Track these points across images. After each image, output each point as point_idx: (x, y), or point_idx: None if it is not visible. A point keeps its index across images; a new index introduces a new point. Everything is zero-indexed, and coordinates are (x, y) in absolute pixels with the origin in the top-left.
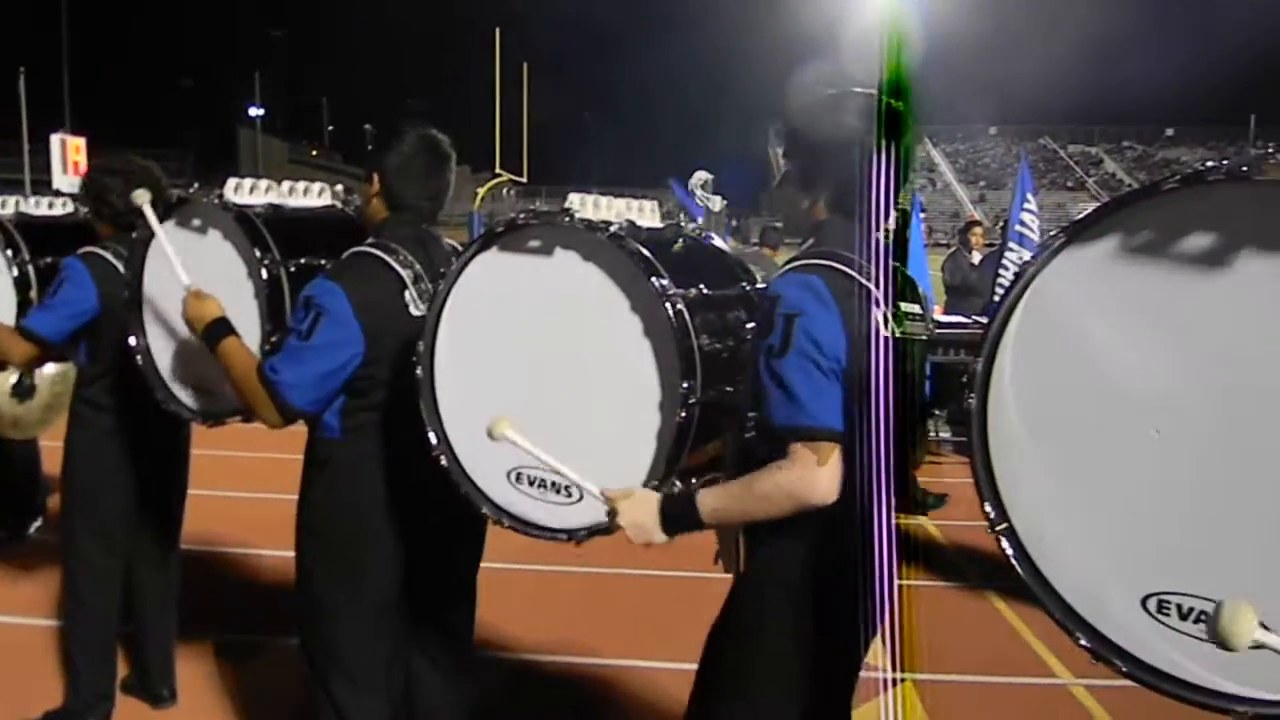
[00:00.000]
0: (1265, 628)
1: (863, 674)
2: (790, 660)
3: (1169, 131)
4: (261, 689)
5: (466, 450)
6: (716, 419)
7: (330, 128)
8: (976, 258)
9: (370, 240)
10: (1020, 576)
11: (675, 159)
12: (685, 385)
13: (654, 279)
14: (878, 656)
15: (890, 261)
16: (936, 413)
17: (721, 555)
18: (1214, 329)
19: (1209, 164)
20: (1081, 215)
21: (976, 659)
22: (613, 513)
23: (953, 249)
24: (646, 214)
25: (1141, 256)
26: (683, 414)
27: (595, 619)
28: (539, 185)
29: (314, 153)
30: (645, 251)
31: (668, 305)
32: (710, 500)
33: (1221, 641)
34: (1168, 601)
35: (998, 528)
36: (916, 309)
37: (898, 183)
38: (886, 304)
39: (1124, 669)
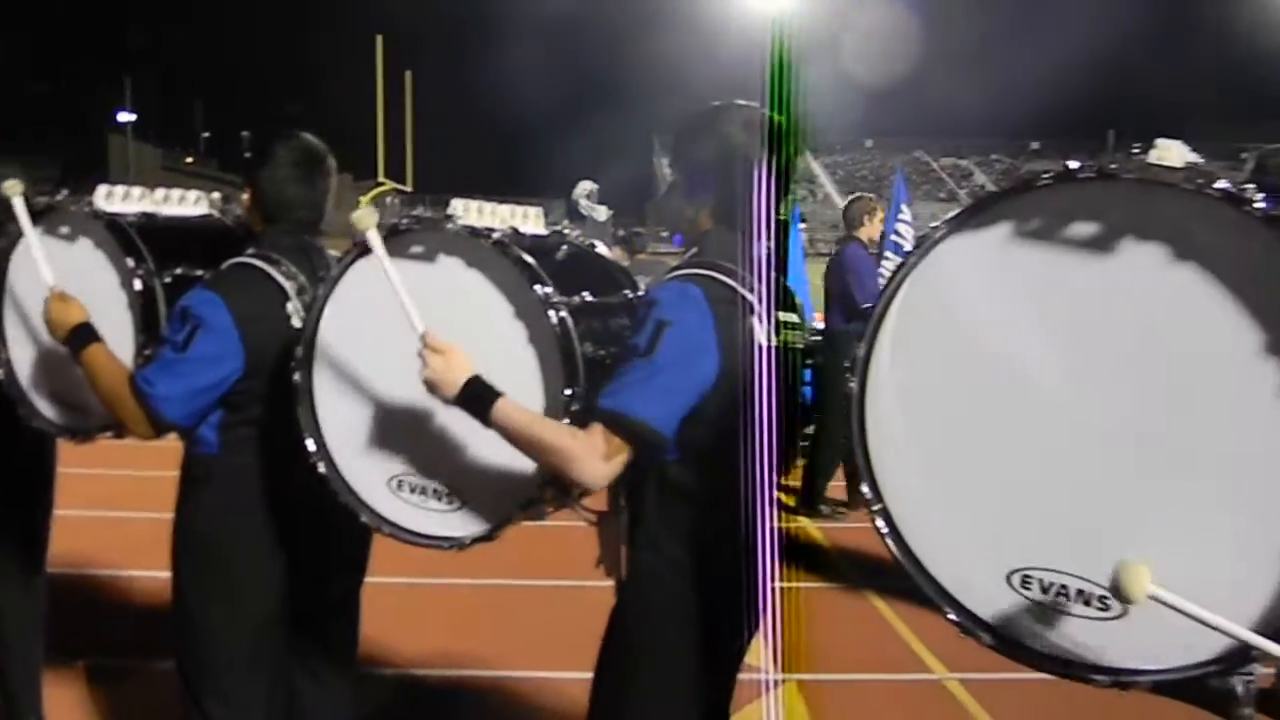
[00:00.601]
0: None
1: (745, 676)
2: (677, 664)
3: (1034, 145)
4: (133, 714)
5: (345, 458)
6: None
7: (206, 134)
8: None
9: (250, 251)
10: (894, 556)
11: (563, 169)
12: (568, 392)
13: (537, 286)
14: (758, 657)
15: (771, 272)
16: (817, 416)
17: (603, 560)
18: (1082, 317)
19: (1076, 164)
20: (961, 209)
21: (856, 658)
22: (424, 352)
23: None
24: (531, 221)
25: (1016, 249)
26: (565, 422)
27: (483, 631)
28: (423, 194)
29: (189, 160)
30: (528, 259)
31: (551, 313)
32: (509, 412)
33: (1121, 594)
34: (1030, 577)
35: (874, 507)
36: (794, 318)
37: (779, 195)
38: (766, 314)
39: (989, 642)
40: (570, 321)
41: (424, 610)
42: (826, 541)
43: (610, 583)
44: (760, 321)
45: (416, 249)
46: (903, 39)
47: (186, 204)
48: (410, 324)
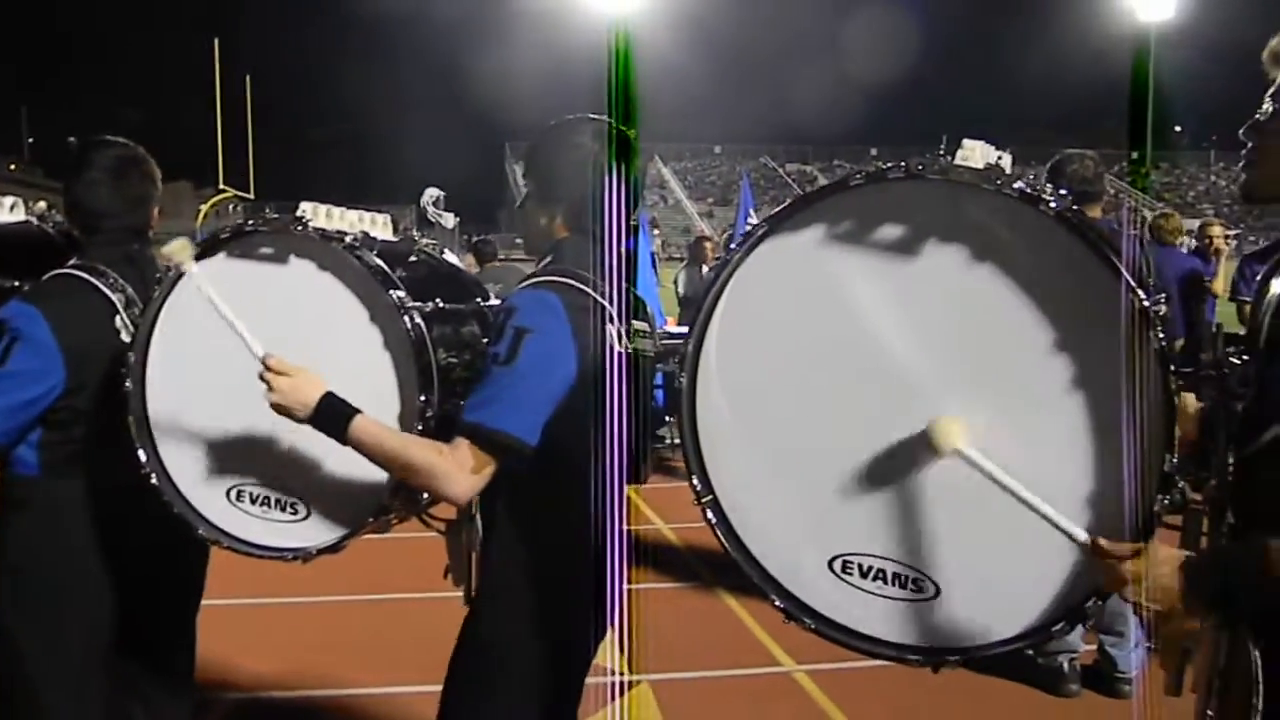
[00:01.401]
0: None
1: (596, 678)
2: (529, 669)
3: (873, 151)
4: None
5: (180, 469)
6: (451, 433)
7: (30, 140)
8: (707, 271)
9: (74, 261)
10: (724, 546)
11: (411, 176)
12: (423, 399)
13: (392, 291)
14: (608, 658)
15: (624, 278)
16: (669, 419)
17: (451, 570)
18: (893, 312)
19: (888, 164)
20: (779, 208)
21: (707, 655)
22: (267, 375)
23: (686, 262)
24: (380, 227)
25: (831, 248)
26: (419, 428)
27: (331, 648)
28: (267, 201)
29: (12, 167)
30: (381, 263)
31: (406, 318)
32: (369, 429)
33: (932, 445)
34: (851, 562)
35: (703, 499)
36: (644, 325)
37: (630, 202)
38: (621, 320)
39: (811, 626)
40: (425, 327)
41: (267, 631)
42: (679, 541)
43: (459, 593)
44: (615, 327)
45: (266, 250)
46: (749, 45)
47: (2, 211)
48: (250, 350)
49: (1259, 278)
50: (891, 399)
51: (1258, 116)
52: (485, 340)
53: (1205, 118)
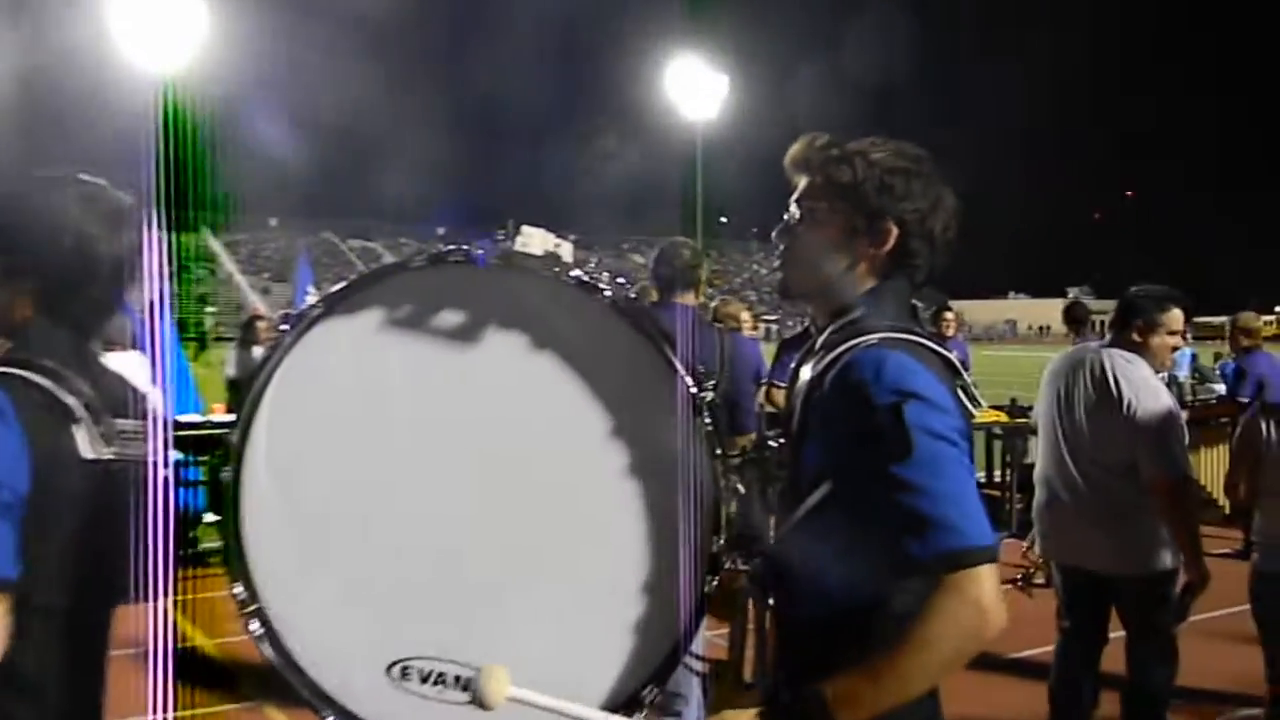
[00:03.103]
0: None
1: None
2: None
3: (440, 229)
4: None
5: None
6: None
7: None
8: (259, 352)
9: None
10: (270, 661)
11: None
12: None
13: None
14: None
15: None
16: (209, 519)
17: None
18: (448, 410)
19: (450, 246)
20: (336, 288)
21: None
22: None
23: (236, 342)
24: None
25: (389, 333)
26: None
27: None
28: None
29: None
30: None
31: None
32: None
33: (481, 702)
34: (410, 668)
35: (247, 609)
36: (133, 425)
37: (127, 278)
38: (97, 420)
39: None
40: None
41: None
42: (220, 655)
43: None
44: (88, 429)
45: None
46: (313, 112)
47: None
48: None
49: (792, 365)
50: (448, 494)
51: (785, 219)
52: None
53: (747, 210)
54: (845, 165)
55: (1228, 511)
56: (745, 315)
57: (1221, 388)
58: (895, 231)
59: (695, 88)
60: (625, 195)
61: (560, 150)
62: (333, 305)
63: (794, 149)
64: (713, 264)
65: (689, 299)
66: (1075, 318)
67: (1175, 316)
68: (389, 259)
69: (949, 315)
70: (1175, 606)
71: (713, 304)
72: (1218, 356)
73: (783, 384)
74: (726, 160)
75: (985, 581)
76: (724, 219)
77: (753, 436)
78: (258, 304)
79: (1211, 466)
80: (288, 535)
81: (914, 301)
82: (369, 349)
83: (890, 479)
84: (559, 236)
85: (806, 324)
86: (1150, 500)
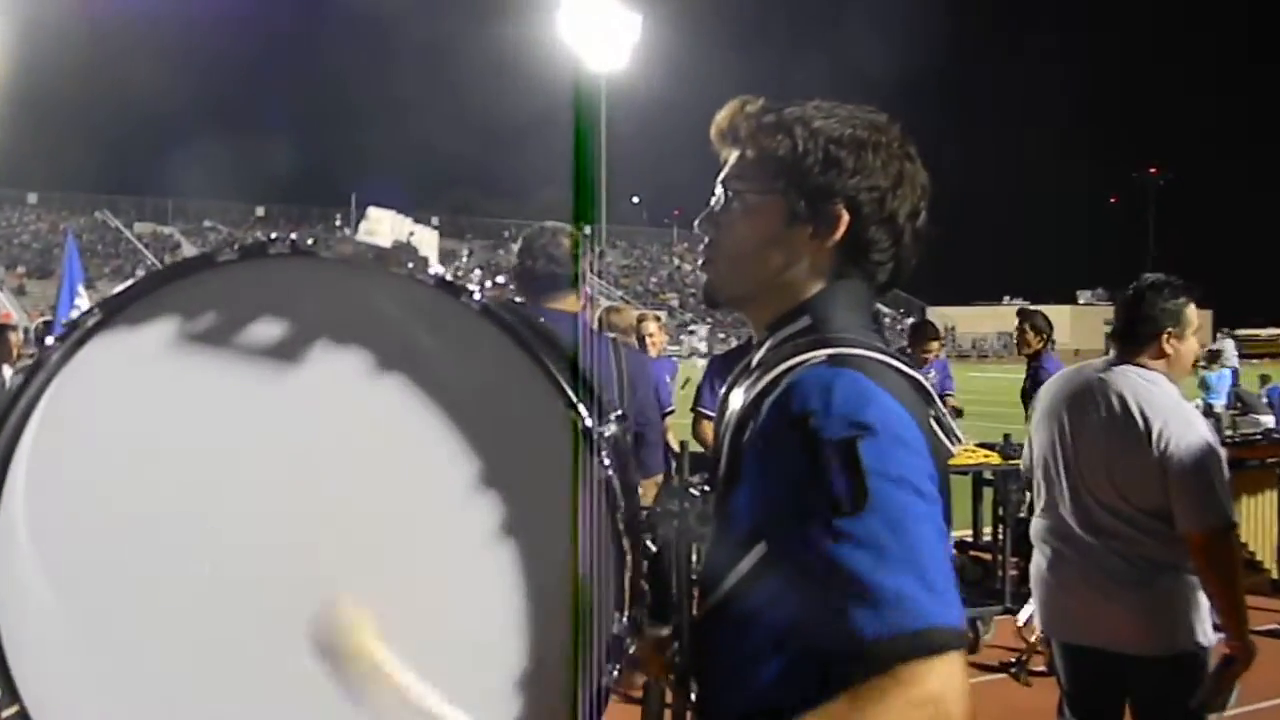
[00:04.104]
0: None
1: None
2: None
3: (259, 211)
4: None
5: None
6: None
7: None
8: (10, 374)
9: None
10: None
11: None
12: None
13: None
14: None
15: None
16: None
17: None
18: (275, 442)
19: (274, 235)
20: (118, 290)
21: None
22: None
23: None
24: None
25: (191, 345)
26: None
27: None
28: None
29: None
30: None
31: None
32: None
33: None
34: None
35: (4, 712)
36: None
37: None
38: None
39: None
40: None
41: None
42: None
43: None
44: None
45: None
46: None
47: None
48: None
49: (723, 389)
50: (267, 563)
51: (711, 205)
52: None
53: (665, 187)
54: (783, 134)
55: (1276, 577)
56: (651, 326)
57: (1270, 419)
58: (845, 216)
59: (601, 29)
60: (507, 167)
61: (424, 106)
62: (113, 312)
63: (720, 115)
64: (622, 257)
65: (568, 304)
66: (1036, 327)
67: (1194, 313)
68: (189, 251)
69: (934, 346)
70: (1210, 691)
71: (598, 312)
72: (1265, 380)
73: (713, 413)
74: (640, 124)
75: (949, 673)
76: (636, 199)
77: (659, 479)
78: (7, 309)
79: (1257, 520)
80: (54, 616)
81: (877, 306)
82: (163, 371)
83: (836, 535)
84: (417, 221)
85: (745, 338)
86: (1182, 558)
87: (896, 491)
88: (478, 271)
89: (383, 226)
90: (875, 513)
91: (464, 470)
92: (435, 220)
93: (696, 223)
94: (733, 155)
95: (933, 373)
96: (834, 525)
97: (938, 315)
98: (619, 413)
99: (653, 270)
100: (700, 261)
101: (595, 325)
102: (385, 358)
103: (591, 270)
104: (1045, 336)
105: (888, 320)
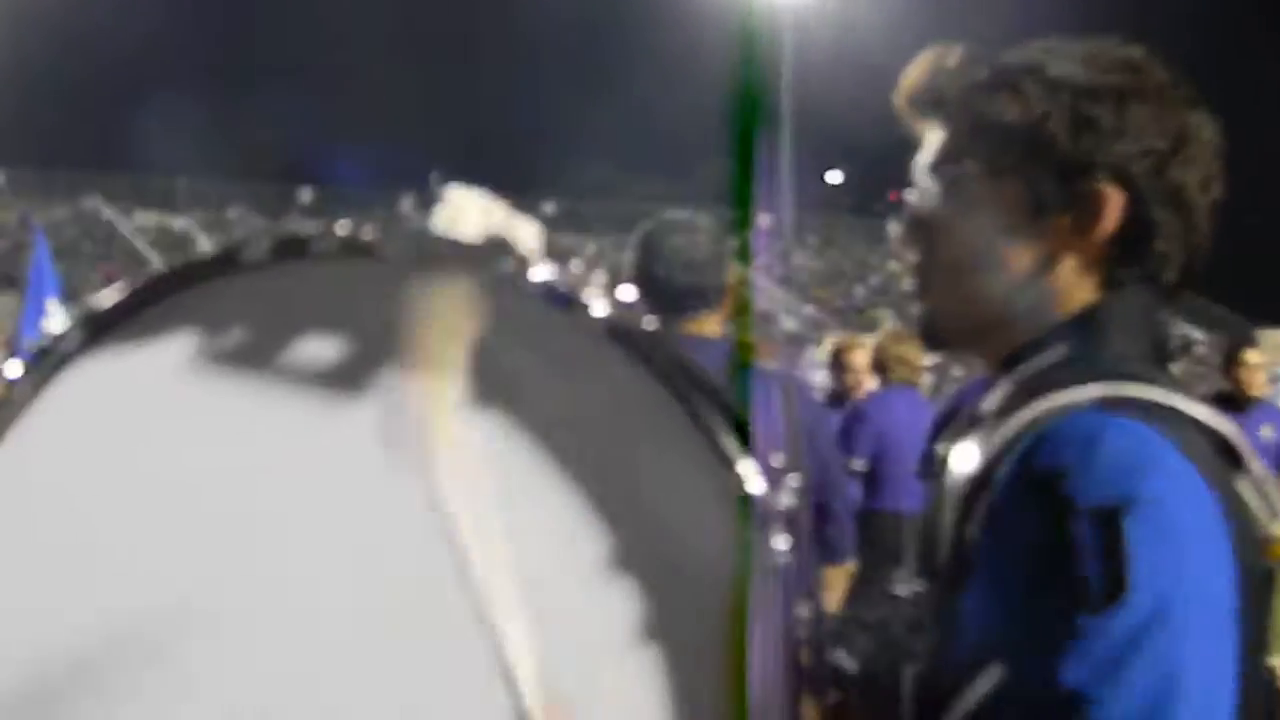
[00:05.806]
0: None
1: None
2: None
3: (305, 196)
4: None
5: None
6: None
7: None
8: None
9: None
10: None
11: None
12: None
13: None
14: None
15: None
16: None
17: None
18: (316, 503)
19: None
20: (108, 301)
21: None
22: None
23: None
24: None
25: (206, 373)
26: None
27: None
28: None
29: None
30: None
31: None
32: None
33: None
34: None
35: None
36: None
37: None
38: None
39: None
40: None
41: None
42: None
43: None
44: None
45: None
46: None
47: None
48: None
49: (935, 447)
50: (305, 652)
51: (915, 204)
52: None
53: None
54: (1008, 92)
55: None
56: (915, 356)
57: None
58: (1115, 195)
59: None
60: (656, 133)
61: (538, 57)
62: (100, 330)
63: (909, 76)
64: (814, 258)
65: (710, 325)
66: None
67: None
68: (205, 246)
69: (1252, 357)
70: None
71: (870, 340)
72: None
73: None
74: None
75: None
76: (839, 177)
77: (851, 568)
78: None
79: None
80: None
81: (1164, 324)
82: (168, 409)
83: (1078, 640)
84: (520, 208)
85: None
86: None
87: (1168, 592)
88: (601, 275)
89: (468, 213)
90: (1131, 612)
91: (578, 546)
92: (548, 208)
93: (893, 229)
94: (936, 132)
95: (1268, 427)
96: (1074, 625)
97: (1273, 342)
98: (796, 476)
99: (858, 276)
100: (914, 286)
101: (868, 361)
102: (474, 389)
103: (770, 277)
104: None
105: (1202, 349)
